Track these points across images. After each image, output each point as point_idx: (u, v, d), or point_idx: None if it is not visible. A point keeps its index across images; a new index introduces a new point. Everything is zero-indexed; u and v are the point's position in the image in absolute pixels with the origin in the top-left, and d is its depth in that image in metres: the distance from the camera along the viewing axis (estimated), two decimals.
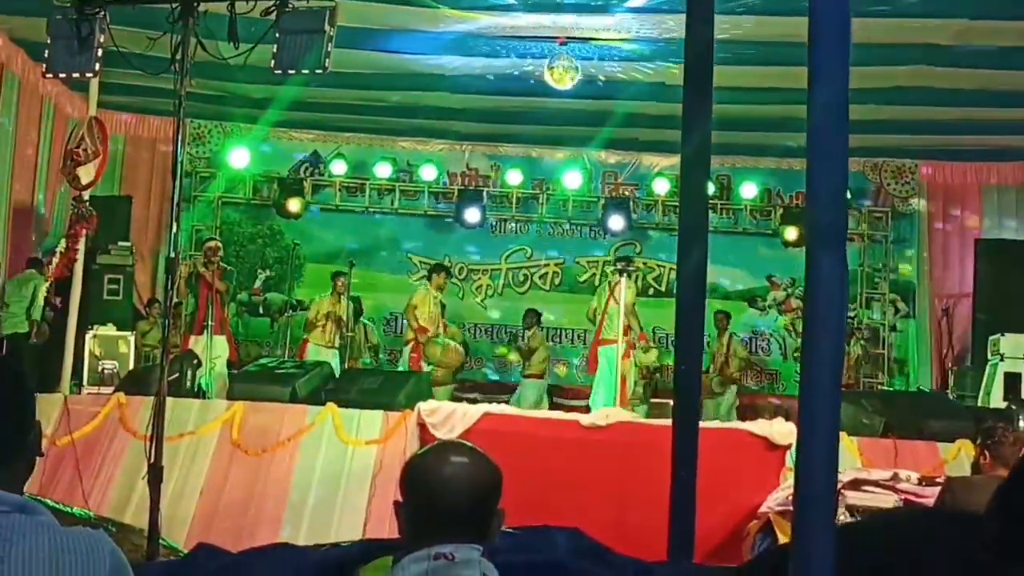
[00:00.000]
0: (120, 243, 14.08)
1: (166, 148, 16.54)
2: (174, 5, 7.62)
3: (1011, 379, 12.69)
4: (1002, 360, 12.90)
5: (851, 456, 9.42)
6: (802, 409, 2.45)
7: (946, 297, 16.58)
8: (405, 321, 14.96)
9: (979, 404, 12.87)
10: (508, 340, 17.31)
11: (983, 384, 13.23)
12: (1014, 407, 11.32)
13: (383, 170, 17.16)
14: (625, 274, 13.25)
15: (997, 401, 12.46)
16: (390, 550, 2.69)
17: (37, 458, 2.36)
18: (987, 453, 6.54)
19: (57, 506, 8.68)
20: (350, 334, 14.89)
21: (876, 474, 8.72)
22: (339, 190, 17.43)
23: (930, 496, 7.71)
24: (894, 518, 2.96)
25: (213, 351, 13.26)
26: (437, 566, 2.52)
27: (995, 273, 14.62)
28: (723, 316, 15.82)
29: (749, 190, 17.12)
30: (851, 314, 16.45)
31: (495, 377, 17.37)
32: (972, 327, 15.09)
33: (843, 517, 8.06)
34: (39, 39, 9.10)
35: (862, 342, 15.90)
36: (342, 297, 14.68)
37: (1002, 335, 13.10)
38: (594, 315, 14.45)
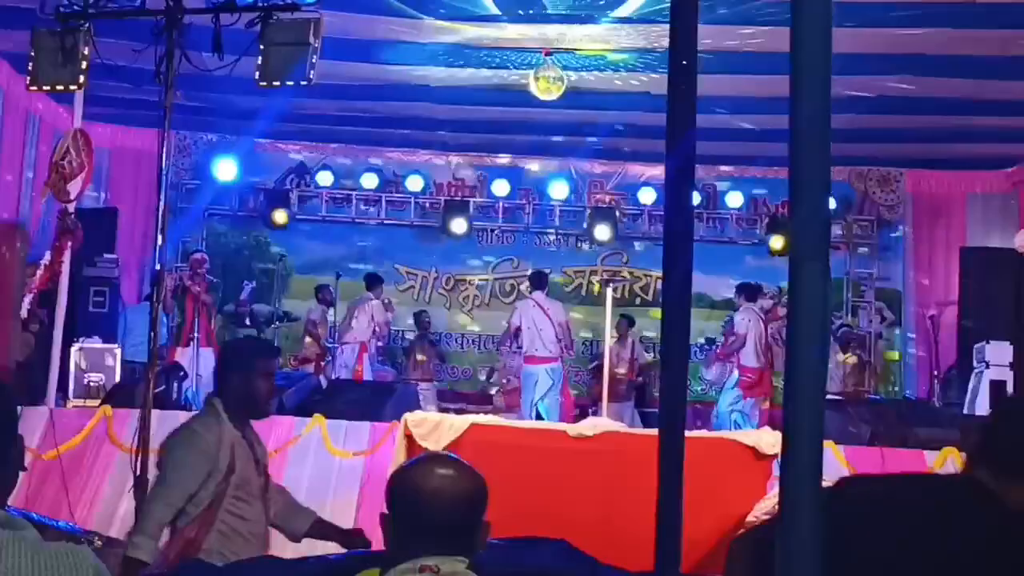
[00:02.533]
0: (106, 255, 14.03)
1: (151, 160, 16.48)
2: (159, 17, 7.62)
3: (997, 387, 12.69)
4: (988, 368, 12.91)
5: (838, 465, 9.42)
6: (786, 418, 2.45)
7: (932, 305, 16.61)
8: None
9: (965, 412, 12.88)
10: (495, 350, 17.30)
11: (969, 392, 13.25)
12: None
13: (369, 181, 17.17)
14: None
15: (983, 409, 12.46)
16: (376, 562, 2.69)
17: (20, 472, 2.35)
18: (971, 463, 6.56)
19: (43, 520, 8.63)
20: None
21: None
22: (325, 201, 17.42)
23: None
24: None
25: (200, 363, 13.24)
26: None
27: (980, 281, 14.63)
28: None
29: (735, 199, 17.15)
30: (847, 324, 16.48)
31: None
32: (958, 335, 15.11)
33: None
34: (23, 51, 9.09)
35: (858, 352, 15.88)
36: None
37: (987, 343, 13.10)
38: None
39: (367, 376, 14.74)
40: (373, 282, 15.73)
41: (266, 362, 5.40)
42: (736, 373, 14.74)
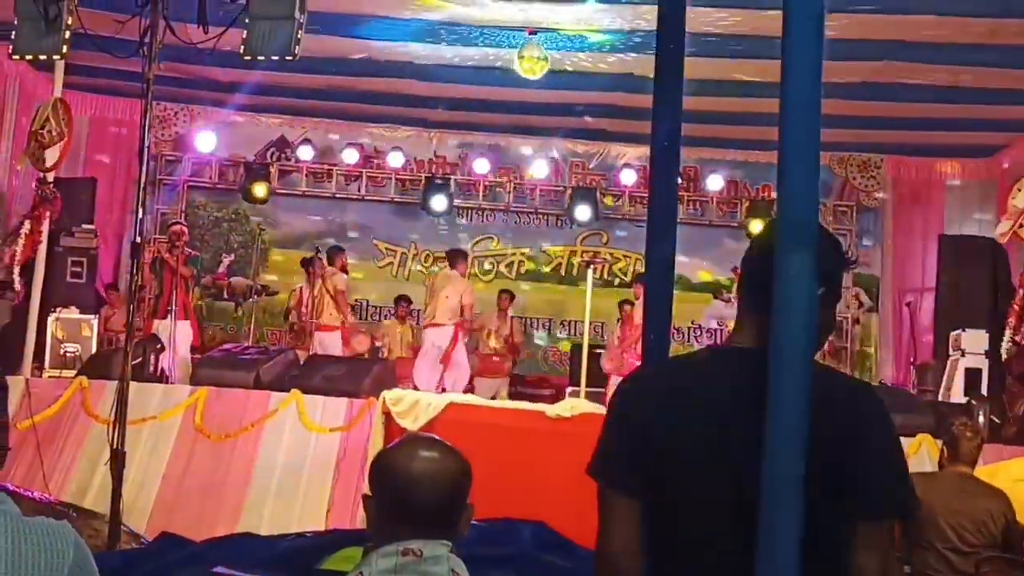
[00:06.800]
0: (84, 226, 13.95)
1: (132, 131, 16.39)
2: None
3: (971, 374, 12.76)
4: (963, 355, 12.96)
5: None
6: (770, 404, 2.46)
7: (909, 292, 16.67)
8: None
9: (940, 399, 12.94)
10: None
11: (944, 379, 13.31)
12: (974, 402, 11.41)
13: (350, 156, 17.11)
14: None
15: (958, 396, 12.53)
16: (356, 541, 2.69)
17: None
18: (945, 450, 6.62)
19: (17, 490, 8.62)
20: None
21: None
22: (306, 175, 17.37)
23: None
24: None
25: (177, 336, 13.19)
26: (405, 562, 2.52)
27: (957, 269, 14.68)
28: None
29: (715, 182, 17.15)
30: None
31: None
32: (934, 322, 15.16)
33: None
34: (6, 20, 9.02)
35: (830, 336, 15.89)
36: None
37: (963, 330, 13.15)
38: None
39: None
40: (455, 257, 14.77)
41: None
42: None
